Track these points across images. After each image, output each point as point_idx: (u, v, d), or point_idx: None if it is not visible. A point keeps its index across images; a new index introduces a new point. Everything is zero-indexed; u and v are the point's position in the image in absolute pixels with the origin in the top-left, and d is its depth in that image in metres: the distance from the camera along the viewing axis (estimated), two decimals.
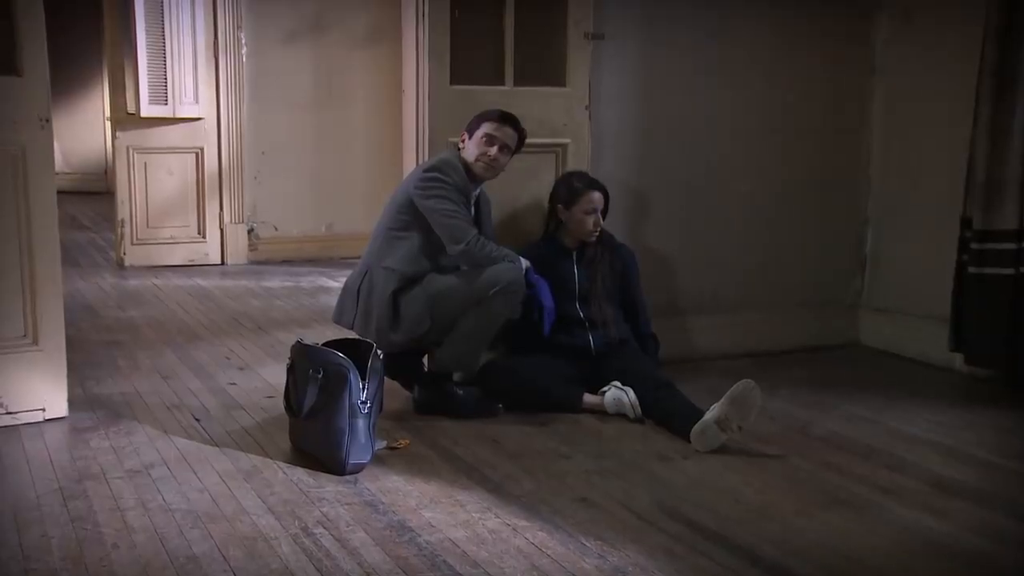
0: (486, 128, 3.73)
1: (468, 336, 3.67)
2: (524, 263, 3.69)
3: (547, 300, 3.67)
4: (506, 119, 3.76)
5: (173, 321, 5.22)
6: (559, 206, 3.96)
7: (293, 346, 3.36)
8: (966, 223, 4.12)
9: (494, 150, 3.72)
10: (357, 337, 3.55)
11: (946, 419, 3.77)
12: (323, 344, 3.34)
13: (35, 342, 3.47)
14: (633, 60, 4.33)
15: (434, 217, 3.65)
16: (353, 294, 3.76)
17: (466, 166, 3.73)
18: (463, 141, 3.78)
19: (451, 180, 3.66)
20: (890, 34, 4.67)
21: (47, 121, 3.44)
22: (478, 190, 3.82)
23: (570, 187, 3.96)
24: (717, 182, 4.54)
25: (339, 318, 3.83)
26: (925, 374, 4.41)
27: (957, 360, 4.30)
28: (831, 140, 4.72)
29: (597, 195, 3.93)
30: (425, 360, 3.90)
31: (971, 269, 4.09)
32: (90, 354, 4.47)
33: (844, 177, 4.77)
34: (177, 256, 6.78)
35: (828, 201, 4.76)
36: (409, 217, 3.70)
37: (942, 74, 4.46)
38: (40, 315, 3.45)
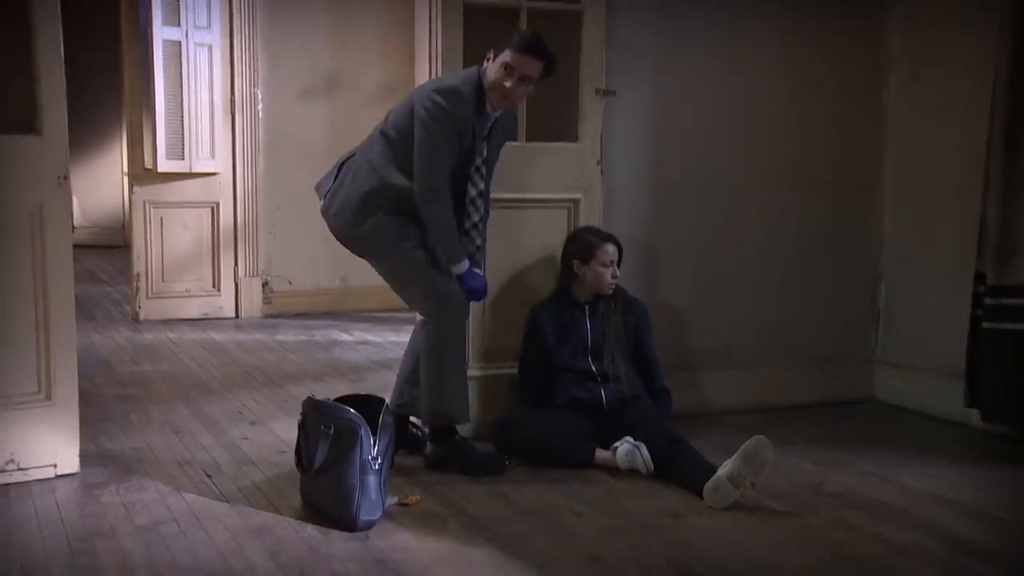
0: (506, 56, 3.51)
1: (431, 383, 3.64)
2: (462, 266, 3.60)
3: (474, 282, 3.63)
4: (530, 48, 3.51)
5: (187, 375, 5.23)
6: (575, 261, 3.97)
7: (304, 401, 3.36)
8: (979, 278, 4.11)
9: (511, 82, 3.51)
10: (367, 394, 3.54)
11: (963, 477, 3.73)
12: (335, 400, 3.34)
13: (48, 397, 3.48)
14: (644, 116, 4.36)
15: (416, 146, 3.53)
16: (335, 169, 3.73)
17: (484, 87, 3.55)
18: (488, 60, 3.58)
19: (450, 113, 3.48)
20: (900, 90, 4.70)
21: (65, 178, 3.48)
22: (495, 115, 3.64)
23: (585, 242, 3.98)
24: (729, 236, 4.55)
25: (318, 187, 3.82)
26: (941, 430, 4.37)
27: (973, 416, 4.27)
28: (843, 195, 4.73)
29: (611, 247, 3.96)
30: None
31: (985, 324, 4.07)
32: (103, 408, 4.48)
33: (857, 231, 4.77)
34: (192, 309, 6.82)
35: (841, 255, 4.75)
36: (406, 124, 3.57)
37: (953, 130, 4.47)
38: (54, 371, 3.47)
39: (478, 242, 3.70)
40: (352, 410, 3.18)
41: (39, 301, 3.43)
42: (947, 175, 4.51)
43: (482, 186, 3.66)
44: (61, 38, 3.45)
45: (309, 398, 3.36)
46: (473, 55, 3.86)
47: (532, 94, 3.68)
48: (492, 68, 3.54)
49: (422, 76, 4.14)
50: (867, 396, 4.81)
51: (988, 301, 4.05)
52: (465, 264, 3.61)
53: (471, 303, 3.73)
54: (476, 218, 3.67)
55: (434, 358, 3.64)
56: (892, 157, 4.75)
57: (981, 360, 4.11)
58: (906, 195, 4.71)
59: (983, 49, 4.16)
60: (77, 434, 3.57)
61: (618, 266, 3.97)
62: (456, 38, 3.96)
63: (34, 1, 3.38)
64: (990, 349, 4.07)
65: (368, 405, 3.28)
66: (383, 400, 3.34)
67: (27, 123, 3.43)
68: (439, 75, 3.96)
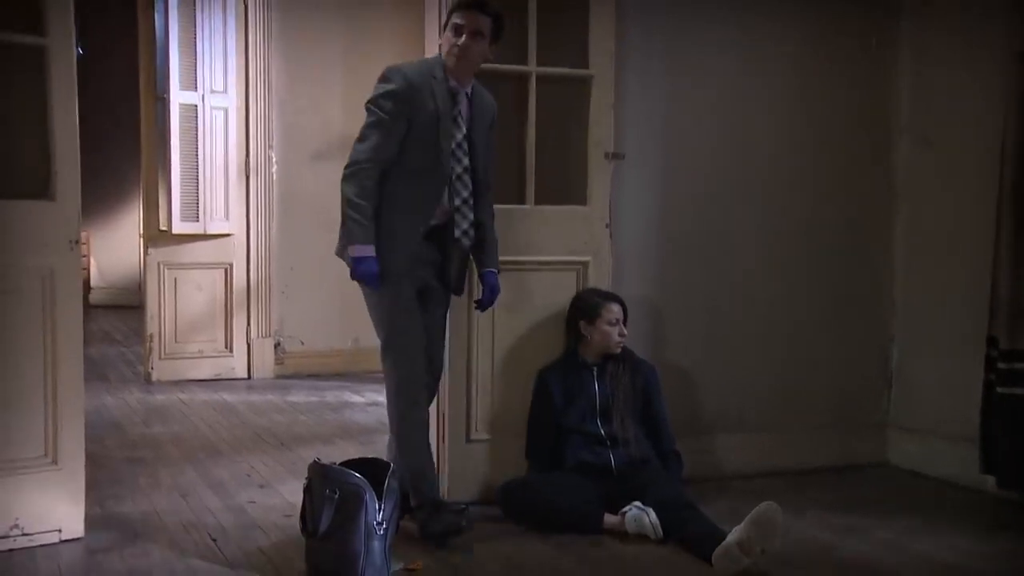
0: (454, 18, 3.54)
1: (400, 451, 3.61)
2: (357, 249, 3.48)
3: (360, 266, 3.51)
4: (474, 3, 3.52)
5: (197, 437, 5.22)
6: (581, 322, 3.98)
7: (310, 465, 3.34)
8: (992, 342, 4.08)
9: (463, 39, 3.50)
10: (374, 457, 3.52)
11: (979, 546, 3.66)
12: (340, 463, 3.33)
13: (54, 462, 3.47)
14: (654, 179, 4.39)
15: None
16: None
17: (445, 62, 3.56)
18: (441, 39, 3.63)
19: (390, 92, 3.48)
20: (910, 156, 4.71)
21: (76, 243, 3.51)
22: (466, 91, 3.61)
23: (589, 302, 4.00)
24: (740, 299, 4.54)
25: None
26: (956, 497, 4.30)
27: (989, 482, 4.20)
28: (854, 257, 4.73)
29: (616, 306, 3.98)
30: None
31: (999, 389, 4.04)
32: (112, 471, 4.47)
33: (868, 294, 4.76)
34: (204, 370, 6.83)
35: (852, 317, 4.73)
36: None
37: (963, 195, 4.48)
38: (60, 434, 3.46)
39: (471, 217, 3.63)
40: (357, 474, 3.16)
41: (48, 365, 3.44)
42: (958, 239, 4.51)
43: (467, 162, 3.61)
44: (76, 106, 3.50)
45: (315, 462, 3.34)
46: None
47: (490, 58, 3.63)
48: (443, 40, 3.57)
49: None
50: (880, 460, 4.75)
51: (1001, 365, 4.02)
52: (363, 249, 3.48)
53: (420, 352, 3.62)
54: (465, 194, 3.62)
55: (391, 418, 3.66)
56: (903, 221, 4.75)
57: (995, 425, 4.06)
58: (917, 258, 4.70)
59: (992, 117, 4.17)
60: (83, 499, 3.55)
61: (624, 324, 3.97)
62: None
63: (52, 70, 3.43)
64: (1004, 414, 4.03)
65: (374, 469, 3.26)
66: (389, 464, 3.32)
67: (41, 188, 3.47)
68: None
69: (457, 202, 3.61)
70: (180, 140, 6.57)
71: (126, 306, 10.95)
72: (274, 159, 6.93)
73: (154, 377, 6.70)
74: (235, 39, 6.71)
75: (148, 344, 6.74)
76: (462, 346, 4.05)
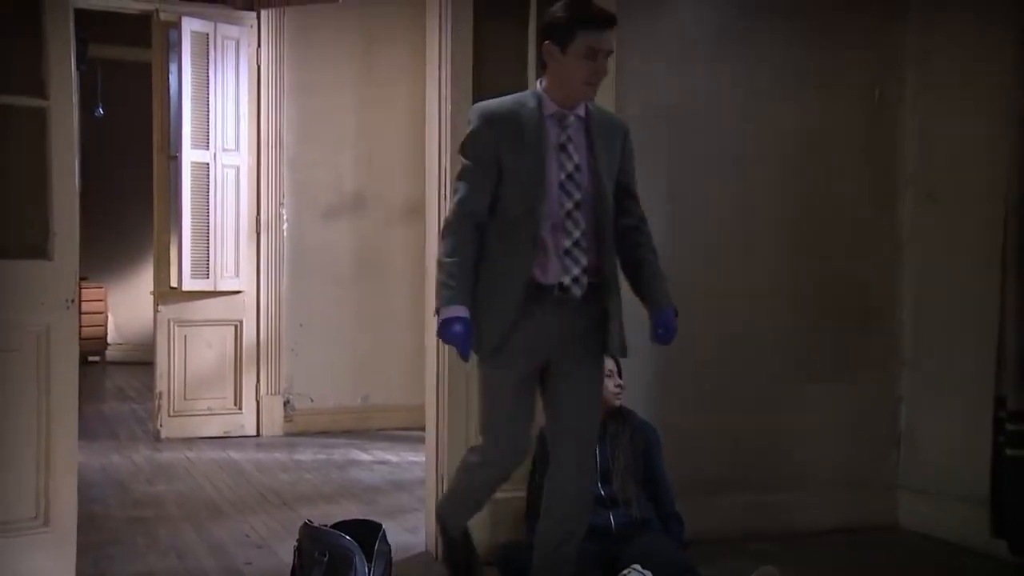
0: (576, 40, 2.98)
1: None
2: (447, 311, 2.97)
3: (446, 331, 2.99)
4: (605, 19, 3.02)
5: (200, 496, 5.19)
6: None
7: (301, 527, 3.30)
8: (1000, 402, 3.99)
9: (601, 63, 3.00)
10: (365, 519, 3.48)
11: None
12: (332, 525, 3.29)
13: (46, 523, 3.45)
14: (657, 236, 4.31)
15: None
16: None
17: (555, 91, 3.06)
18: (550, 67, 3.07)
19: (469, 130, 3.07)
20: (916, 210, 4.67)
21: (72, 302, 3.53)
22: (577, 114, 3.10)
23: None
24: (744, 356, 4.49)
25: None
26: (967, 562, 4.20)
27: (1001, 547, 4.09)
28: (861, 315, 4.67)
29: (608, 359, 3.61)
30: None
31: (1008, 451, 3.94)
32: (111, 531, 4.44)
33: (876, 352, 4.69)
34: (213, 428, 6.81)
35: (861, 376, 4.66)
36: None
37: (969, 251, 4.43)
38: (52, 496, 3.45)
39: (583, 262, 3.03)
40: (347, 537, 3.12)
41: (42, 425, 3.44)
42: (965, 296, 4.45)
43: (579, 196, 3.05)
44: (76, 167, 3.55)
45: (306, 523, 3.30)
46: None
47: None
48: (567, 65, 3.01)
49: (432, 198, 4.21)
50: (890, 523, 4.65)
51: (1010, 427, 3.93)
52: (447, 310, 2.97)
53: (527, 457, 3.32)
54: (577, 234, 3.03)
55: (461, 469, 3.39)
56: (909, 277, 4.69)
57: (1006, 488, 3.96)
58: (925, 315, 4.64)
59: (996, 170, 4.13)
60: (74, 561, 3.52)
61: (619, 376, 3.91)
62: None
63: (52, 131, 3.48)
64: (1014, 477, 3.93)
65: (365, 531, 3.22)
66: (380, 525, 3.27)
67: (39, 249, 3.49)
68: (446, 195, 4.02)
69: (567, 244, 3.04)
70: (191, 198, 6.61)
71: (143, 362, 10.96)
72: (285, 216, 6.97)
73: (163, 435, 6.69)
74: (247, 97, 6.77)
75: (157, 402, 6.73)
76: (460, 405, 4.02)
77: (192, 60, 6.56)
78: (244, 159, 6.80)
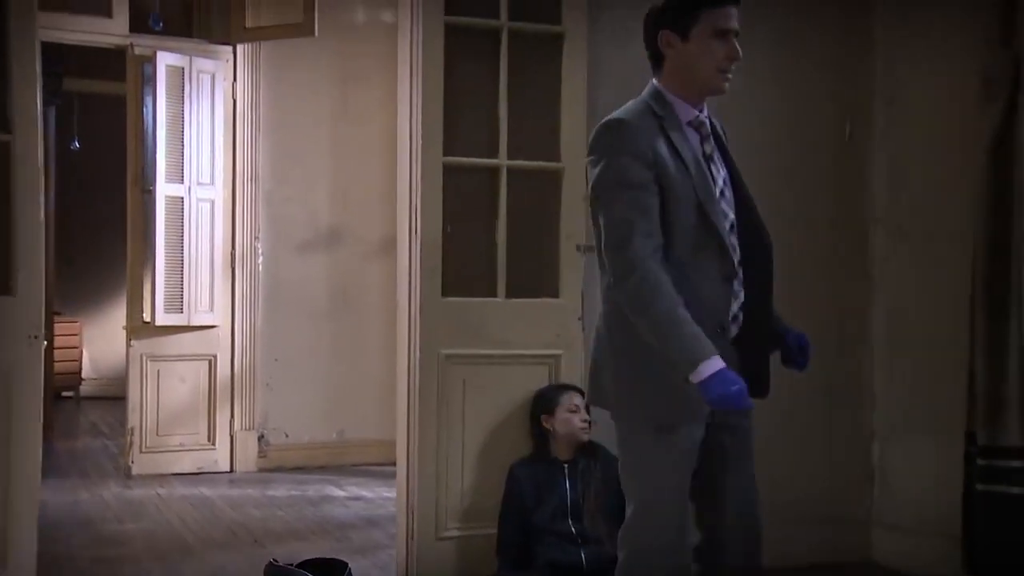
0: (713, 21, 2.46)
1: None
2: (706, 367, 2.37)
3: (719, 389, 2.42)
4: None
5: (168, 534, 5.12)
6: (542, 416, 3.96)
7: (266, 566, 3.28)
8: (971, 437, 3.99)
9: (731, 45, 2.49)
10: (331, 558, 3.45)
11: None
12: (298, 564, 3.25)
13: (3, 566, 3.40)
14: None
15: (598, 229, 2.51)
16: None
17: (679, 89, 2.56)
18: (669, 57, 2.54)
19: (620, 149, 2.44)
20: (886, 247, 4.69)
21: (36, 337, 3.49)
22: (702, 116, 2.61)
23: (546, 396, 4.00)
24: None
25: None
26: None
27: None
28: (833, 351, 4.65)
29: (574, 393, 3.95)
30: None
31: (979, 486, 3.94)
32: (74, 573, 4.36)
33: (848, 388, 4.68)
34: (186, 464, 6.73)
35: (833, 412, 4.65)
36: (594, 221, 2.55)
37: (939, 286, 4.43)
38: (12, 537, 3.41)
39: (741, 296, 2.67)
40: None
41: (1, 464, 3.39)
42: (936, 331, 4.44)
43: (732, 216, 2.62)
44: (41, 201, 3.52)
45: (271, 562, 3.27)
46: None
47: None
48: (692, 52, 2.50)
49: (403, 234, 4.20)
50: (864, 559, 4.62)
51: (980, 462, 3.93)
52: (713, 364, 2.38)
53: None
54: (736, 261, 2.60)
55: None
56: (880, 313, 4.70)
57: (977, 524, 3.96)
58: (896, 350, 4.64)
59: (964, 207, 4.15)
60: None
61: (588, 412, 3.91)
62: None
63: (15, 166, 3.46)
64: (985, 513, 3.92)
65: (331, 570, 3.19)
66: (346, 564, 3.25)
67: (1, 283, 3.46)
68: (418, 231, 4.03)
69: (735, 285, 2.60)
70: (165, 232, 6.58)
71: (118, 397, 10.86)
72: (260, 250, 6.94)
73: (134, 471, 6.60)
74: (222, 131, 6.74)
75: (129, 438, 6.65)
76: (431, 441, 4.00)
77: (167, 94, 6.54)
78: (219, 193, 6.77)
